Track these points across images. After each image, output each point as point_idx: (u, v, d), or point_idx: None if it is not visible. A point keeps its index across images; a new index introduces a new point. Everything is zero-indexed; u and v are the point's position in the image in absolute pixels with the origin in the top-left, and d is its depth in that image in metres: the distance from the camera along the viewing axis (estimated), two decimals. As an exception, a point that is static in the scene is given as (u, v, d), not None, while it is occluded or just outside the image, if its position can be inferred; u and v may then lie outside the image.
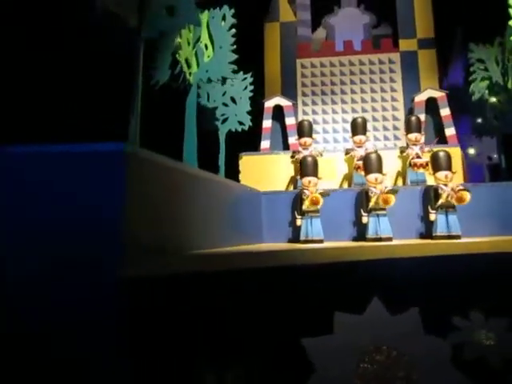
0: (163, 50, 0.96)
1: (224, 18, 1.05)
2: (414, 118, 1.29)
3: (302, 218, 1.07)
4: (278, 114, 1.46)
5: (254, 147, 1.45)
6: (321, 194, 1.04)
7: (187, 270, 0.58)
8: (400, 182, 1.32)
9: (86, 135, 0.56)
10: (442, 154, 1.06)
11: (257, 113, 1.44)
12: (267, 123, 1.44)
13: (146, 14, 0.74)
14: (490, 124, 1.46)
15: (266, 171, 1.38)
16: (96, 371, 0.50)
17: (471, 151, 1.72)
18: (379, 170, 1.06)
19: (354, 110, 1.52)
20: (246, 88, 1.28)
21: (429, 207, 1.06)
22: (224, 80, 1.05)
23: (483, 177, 1.85)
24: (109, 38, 0.70)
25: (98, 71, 0.73)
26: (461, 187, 1.02)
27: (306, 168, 1.08)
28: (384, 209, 1.02)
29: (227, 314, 0.62)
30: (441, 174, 1.04)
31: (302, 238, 1.05)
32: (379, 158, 1.07)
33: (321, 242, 1.07)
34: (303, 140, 1.28)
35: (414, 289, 0.86)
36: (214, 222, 0.83)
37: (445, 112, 1.39)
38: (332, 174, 1.33)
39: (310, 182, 1.06)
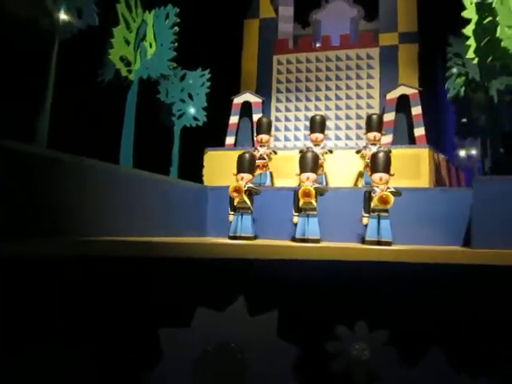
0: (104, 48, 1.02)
1: (167, 17, 1.09)
2: (375, 117, 1.23)
3: (234, 214, 1.08)
4: (249, 110, 1.48)
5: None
6: (250, 190, 1.04)
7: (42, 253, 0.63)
8: (361, 184, 1.28)
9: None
10: (380, 154, 1.01)
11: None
12: (234, 119, 1.46)
13: (59, 16, 0.80)
14: (475, 124, 1.34)
15: (229, 166, 1.39)
16: None
17: (462, 153, 1.59)
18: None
19: (327, 108, 1.48)
20: (203, 84, 1.31)
21: (362, 211, 1.02)
22: (164, 76, 1.07)
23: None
24: (19, 38, 0.77)
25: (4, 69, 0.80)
26: (392, 189, 0.97)
27: (240, 164, 1.08)
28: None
29: (84, 295, 0.67)
30: (376, 176, 0.99)
31: (231, 234, 1.07)
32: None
33: (250, 238, 1.07)
34: (260, 137, 1.28)
35: (300, 292, 0.84)
36: (122, 211, 0.87)
37: (416, 111, 1.31)
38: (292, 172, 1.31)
39: (242, 177, 1.07)
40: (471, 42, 0.96)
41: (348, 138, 1.43)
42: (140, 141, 1.26)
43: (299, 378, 0.63)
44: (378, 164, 1.01)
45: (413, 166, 1.24)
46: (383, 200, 0.92)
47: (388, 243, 0.97)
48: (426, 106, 1.44)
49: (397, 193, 0.97)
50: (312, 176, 1.04)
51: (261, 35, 1.57)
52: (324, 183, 1.23)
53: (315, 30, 1.65)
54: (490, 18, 0.90)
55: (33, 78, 0.80)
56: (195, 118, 1.27)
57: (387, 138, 1.32)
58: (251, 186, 1.06)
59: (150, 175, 1.00)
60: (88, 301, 0.66)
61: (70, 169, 0.76)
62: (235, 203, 1.07)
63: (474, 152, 1.57)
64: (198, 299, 0.73)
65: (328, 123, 1.48)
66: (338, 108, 1.46)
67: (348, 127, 1.44)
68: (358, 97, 1.45)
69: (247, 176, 1.08)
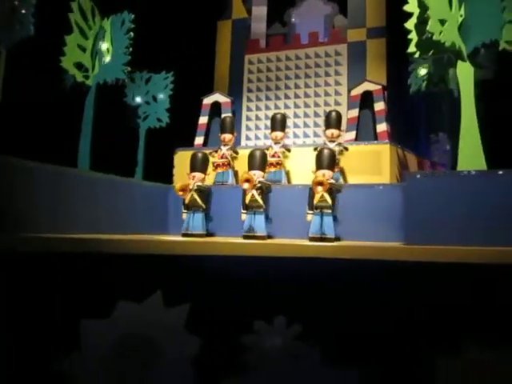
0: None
1: (123, 24, 1.13)
2: (333, 114, 1.24)
3: (186, 212, 1.12)
4: (219, 110, 1.50)
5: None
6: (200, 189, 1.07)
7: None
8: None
9: None
10: (324, 151, 1.02)
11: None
12: (203, 119, 1.48)
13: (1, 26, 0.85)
14: (441, 119, 1.32)
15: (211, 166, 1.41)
16: None
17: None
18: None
19: (296, 106, 1.48)
20: (166, 87, 1.35)
21: (306, 207, 1.03)
22: (118, 80, 1.11)
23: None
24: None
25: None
26: (334, 185, 0.98)
27: (192, 164, 1.12)
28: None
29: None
30: (318, 173, 1.00)
31: (183, 230, 1.10)
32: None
33: (201, 236, 1.10)
34: (223, 136, 1.31)
35: (232, 287, 0.87)
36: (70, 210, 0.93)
37: (378, 106, 1.29)
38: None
39: (194, 176, 1.10)
40: (413, 35, 0.95)
41: (316, 135, 1.44)
42: (107, 143, 1.32)
43: (203, 368, 0.65)
44: (322, 161, 1.01)
45: (374, 163, 1.23)
46: (318, 182, 0.91)
47: (330, 239, 0.98)
48: (395, 101, 1.42)
49: (337, 189, 0.98)
50: (259, 173, 1.06)
51: (233, 36, 1.59)
52: (283, 180, 1.25)
53: (290, 29, 1.66)
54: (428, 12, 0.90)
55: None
56: (159, 120, 1.32)
57: (350, 135, 1.32)
58: (200, 184, 1.09)
59: (103, 176, 1.05)
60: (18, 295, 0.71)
61: (18, 172, 0.81)
62: (186, 202, 1.10)
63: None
64: (128, 293, 0.76)
65: (297, 121, 1.50)
66: (306, 106, 1.47)
67: (316, 125, 1.44)
68: (327, 94, 1.45)
69: (199, 175, 1.12)
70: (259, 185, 1.04)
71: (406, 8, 0.97)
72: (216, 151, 1.30)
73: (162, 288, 0.77)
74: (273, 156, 1.25)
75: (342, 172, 1.26)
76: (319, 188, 0.92)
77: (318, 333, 0.75)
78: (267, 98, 1.52)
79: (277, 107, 1.51)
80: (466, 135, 0.91)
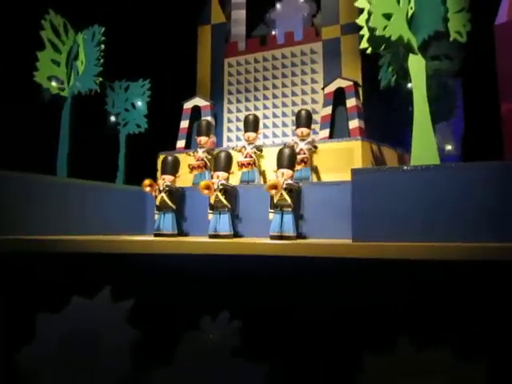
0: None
1: (93, 36, 1.18)
2: (303, 112, 1.25)
3: (158, 213, 1.16)
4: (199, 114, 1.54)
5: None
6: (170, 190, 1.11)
7: None
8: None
9: None
10: (285, 151, 1.03)
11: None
12: (184, 123, 1.52)
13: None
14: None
15: (187, 169, 1.46)
16: None
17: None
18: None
19: (274, 106, 1.50)
20: (143, 94, 1.39)
21: (269, 206, 1.04)
22: (91, 90, 1.17)
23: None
24: None
25: None
26: (291, 185, 0.99)
27: (162, 167, 1.16)
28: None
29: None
30: (278, 172, 1.02)
31: (154, 230, 1.14)
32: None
33: (172, 235, 1.14)
34: (198, 139, 1.35)
35: (187, 284, 0.90)
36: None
37: (350, 103, 1.29)
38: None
39: (164, 178, 1.14)
40: (364, 31, 0.96)
41: (294, 134, 1.45)
42: (90, 150, 1.39)
43: (141, 359, 0.69)
44: (282, 160, 1.03)
45: (347, 159, 1.23)
46: (272, 186, 0.93)
47: (289, 237, 1.00)
48: (371, 97, 1.42)
49: (292, 189, 0.99)
50: (222, 175, 1.09)
51: (213, 40, 1.62)
52: (256, 180, 1.27)
53: (271, 29, 1.68)
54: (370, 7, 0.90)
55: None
56: (138, 126, 1.37)
57: (324, 133, 1.33)
58: (169, 184, 1.13)
59: (75, 181, 1.11)
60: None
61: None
62: (157, 203, 1.15)
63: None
64: (86, 289, 0.81)
65: (276, 121, 1.51)
66: (284, 105, 1.48)
67: (294, 124, 1.45)
68: (304, 93, 1.46)
69: (168, 177, 1.16)
70: (221, 186, 1.07)
71: (357, 4, 0.98)
72: (192, 153, 1.34)
73: (120, 284, 0.82)
74: (246, 156, 1.28)
75: (316, 170, 1.27)
76: (273, 191, 0.94)
77: (261, 329, 0.77)
78: (247, 100, 1.55)
79: (256, 108, 1.53)
80: (418, 129, 0.90)
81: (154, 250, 0.94)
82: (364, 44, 0.96)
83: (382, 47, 0.94)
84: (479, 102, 1.56)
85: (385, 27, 0.88)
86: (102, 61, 1.16)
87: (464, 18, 0.90)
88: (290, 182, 0.99)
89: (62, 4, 1.24)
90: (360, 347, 0.70)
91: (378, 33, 0.87)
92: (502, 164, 0.79)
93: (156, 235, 1.12)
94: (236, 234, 1.11)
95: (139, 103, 1.35)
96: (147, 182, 1.07)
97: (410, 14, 0.93)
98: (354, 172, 0.85)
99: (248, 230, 1.12)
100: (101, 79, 1.15)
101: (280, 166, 1.02)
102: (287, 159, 1.02)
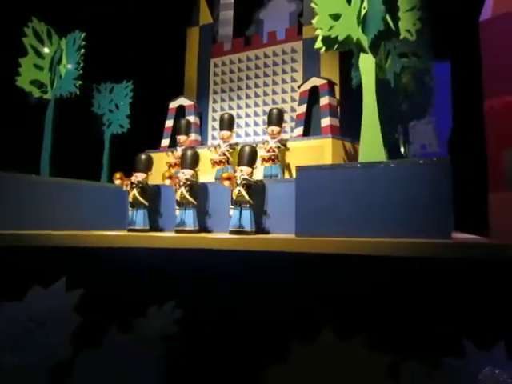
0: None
1: (75, 41, 1.25)
2: (274, 111, 1.27)
3: (131, 209, 1.21)
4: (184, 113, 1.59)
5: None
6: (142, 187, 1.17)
7: None
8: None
9: None
10: (245, 149, 1.06)
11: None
12: (169, 123, 1.58)
13: None
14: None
15: (163, 167, 1.52)
16: None
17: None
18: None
19: (256, 104, 1.53)
20: (127, 95, 1.45)
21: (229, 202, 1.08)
22: (71, 93, 1.24)
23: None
24: None
25: None
26: (248, 181, 1.02)
27: (136, 164, 1.21)
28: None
29: None
30: (238, 170, 1.05)
31: (127, 226, 1.20)
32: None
33: (144, 230, 1.19)
34: (178, 138, 1.40)
35: (139, 277, 0.95)
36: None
37: (323, 101, 1.30)
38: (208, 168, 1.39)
39: (136, 176, 1.20)
40: (319, 31, 0.97)
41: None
42: (76, 150, 1.47)
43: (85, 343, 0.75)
44: (242, 158, 1.06)
45: (318, 157, 1.24)
46: (224, 178, 0.97)
47: (247, 232, 1.03)
48: (349, 95, 1.42)
49: (251, 185, 1.02)
50: (188, 171, 1.13)
51: (201, 41, 1.67)
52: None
53: (259, 29, 1.70)
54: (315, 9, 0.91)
55: None
56: (121, 126, 1.43)
57: (299, 130, 1.35)
58: (140, 181, 1.18)
59: (52, 179, 1.19)
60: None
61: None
62: (130, 199, 1.20)
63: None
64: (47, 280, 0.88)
65: (257, 119, 1.54)
66: (265, 104, 1.51)
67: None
68: (284, 91, 1.48)
69: (141, 175, 1.21)
70: (188, 182, 1.11)
71: (312, 5, 0.99)
72: (172, 152, 1.40)
73: (83, 275, 0.89)
74: (220, 154, 1.31)
75: (288, 167, 1.29)
76: (226, 182, 0.97)
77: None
78: (230, 99, 1.58)
79: (239, 107, 1.56)
80: (366, 127, 0.91)
81: (118, 244, 1.00)
82: (318, 44, 0.97)
83: (335, 47, 0.95)
84: (467, 100, 1.53)
85: (331, 27, 0.89)
86: (81, 65, 1.23)
87: (414, 17, 0.90)
88: (247, 177, 1.03)
89: (50, 8, 1.33)
90: (290, 337, 0.73)
91: (323, 33, 0.89)
92: (431, 162, 0.78)
93: (129, 230, 1.18)
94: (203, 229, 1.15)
95: (122, 104, 1.42)
96: (117, 175, 1.13)
97: (362, 14, 0.94)
98: (298, 169, 0.88)
99: (217, 225, 1.17)
100: (80, 82, 1.22)
101: (240, 163, 1.06)
102: (247, 157, 1.05)
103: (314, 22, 0.98)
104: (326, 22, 0.89)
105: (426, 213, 0.76)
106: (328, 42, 0.95)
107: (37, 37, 1.22)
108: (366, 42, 0.92)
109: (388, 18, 0.89)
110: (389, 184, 0.79)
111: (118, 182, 1.13)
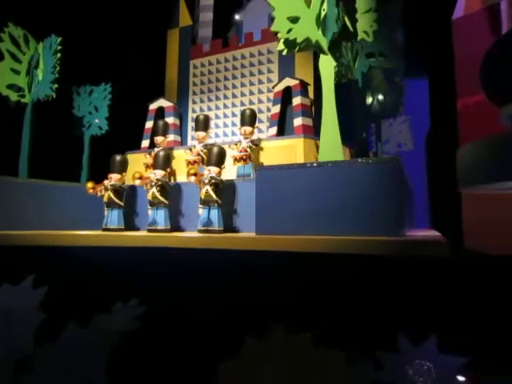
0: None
1: (51, 46, 1.28)
2: (247, 111, 1.29)
3: (106, 210, 1.24)
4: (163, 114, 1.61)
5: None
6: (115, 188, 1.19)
7: None
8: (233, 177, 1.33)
9: None
10: (213, 149, 1.09)
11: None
12: (149, 124, 1.60)
13: None
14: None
15: (142, 168, 1.54)
16: None
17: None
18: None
19: (233, 105, 1.55)
20: (105, 97, 1.48)
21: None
22: (48, 96, 1.26)
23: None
24: None
25: None
26: (215, 180, 1.05)
27: (111, 166, 1.24)
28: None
29: None
30: (206, 169, 1.08)
31: (103, 225, 1.23)
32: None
33: (119, 229, 1.22)
34: (155, 138, 1.42)
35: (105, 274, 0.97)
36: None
37: (296, 101, 1.32)
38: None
39: (111, 178, 1.22)
40: (279, 35, 0.99)
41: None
42: (56, 152, 1.50)
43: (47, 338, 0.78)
44: (211, 158, 1.09)
45: (290, 156, 1.27)
46: (190, 174, 1.01)
47: (215, 231, 1.06)
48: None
49: (218, 185, 1.05)
50: (159, 172, 1.16)
51: (181, 43, 1.69)
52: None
53: (238, 30, 1.72)
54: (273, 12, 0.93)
55: None
56: (100, 128, 1.46)
57: (273, 130, 1.37)
58: (113, 183, 1.21)
59: (29, 181, 1.22)
60: None
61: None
62: (105, 200, 1.23)
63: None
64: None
65: (235, 120, 1.56)
66: (242, 104, 1.53)
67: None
68: (260, 92, 1.50)
69: (115, 176, 1.24)
70: (159, 182, 1.14)
71: (272, 11, 1.01)
72: (149, 153, 1.42)
73: (54, 275, 0.91)
74: (195, 154, 1.34)
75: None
76: (192, 178, 1.00)
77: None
78: (209, 100, 1.61)
79: (217, 108, 1.59)
80: (325, 127, 0.93)
81: (88, 243, 1.03)
82: (280, 46, 0.99)
83: (296, 49, 0.97)
84: (443, 98, 1.54)
85: (289, 30, 0.91)
86: (58, 68, 1.25)
87: (371, 19, 0.92)
88: (214, 176, 1.05)
89: (28, 13, 1.35)
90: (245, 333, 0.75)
91: (280, 35, 0.91)
92: (381, 161, 0.80)
93: (104, 230, 1.21)
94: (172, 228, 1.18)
95: (101, 106, 1.44)
96: (89, 184, 1.15)
97: (322, 16, 0.96)
98: (258, 170, 0.90)
99: (189, 224, 1.19)
100: (57, 86, 1.25)
101: (208, 163, 1.08)
102: (214, 157, 1.08)
103: (272, 26, 1.01)
104: (283, 24, 0.91)
105: (374, 211, 0.78)
106: (288, 44, 0.97)
107: (13, 42, 1.25)
108: (325, 44, 0.94)
109: (346, 19, 0.92)
110: (341, 183, 0.82)
111: (90, 191, 1.16)
